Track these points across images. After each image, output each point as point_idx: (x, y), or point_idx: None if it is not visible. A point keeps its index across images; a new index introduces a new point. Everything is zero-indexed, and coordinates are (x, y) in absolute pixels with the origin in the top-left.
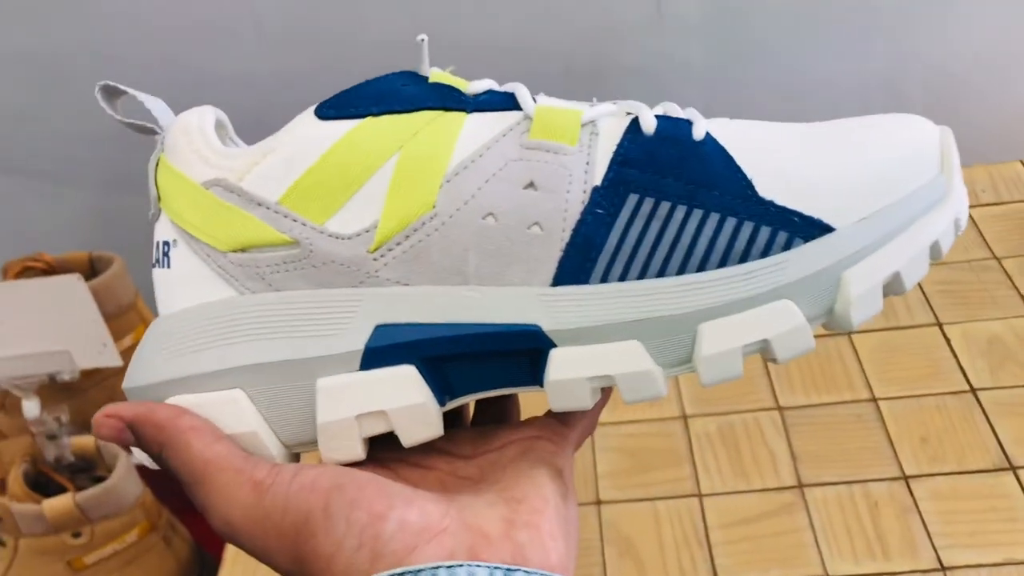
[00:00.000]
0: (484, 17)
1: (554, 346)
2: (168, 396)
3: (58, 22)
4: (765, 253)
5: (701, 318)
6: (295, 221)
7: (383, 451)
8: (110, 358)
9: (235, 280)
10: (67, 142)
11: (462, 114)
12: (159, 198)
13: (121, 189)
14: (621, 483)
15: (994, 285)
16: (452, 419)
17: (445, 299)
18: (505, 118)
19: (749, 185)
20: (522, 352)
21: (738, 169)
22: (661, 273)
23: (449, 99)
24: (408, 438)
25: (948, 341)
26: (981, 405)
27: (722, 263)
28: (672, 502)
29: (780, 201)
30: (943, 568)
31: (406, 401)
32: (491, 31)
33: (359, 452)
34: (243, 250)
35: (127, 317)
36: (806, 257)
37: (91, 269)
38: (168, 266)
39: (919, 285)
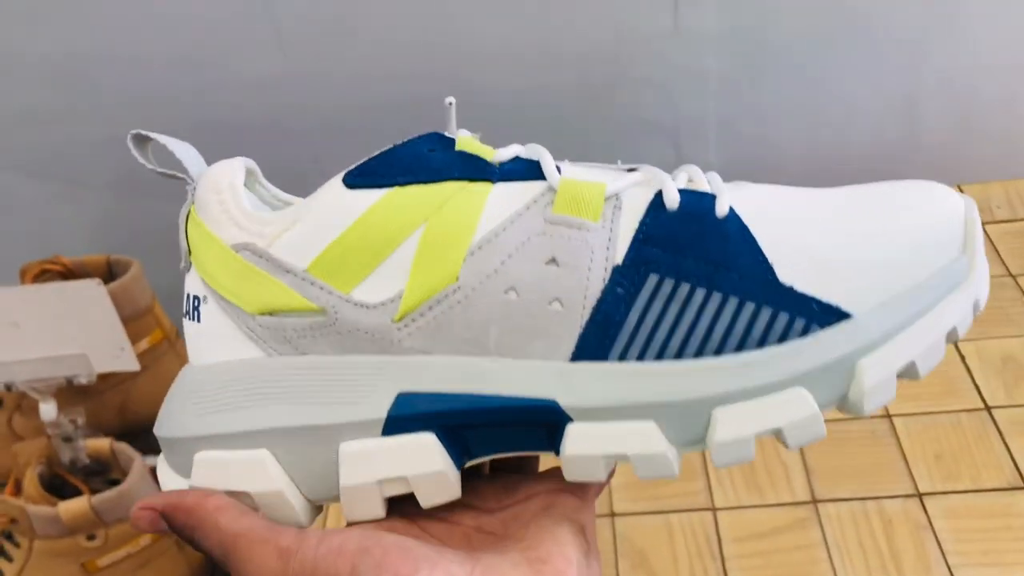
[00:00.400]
0: (501, 27)
1: (571, 420)
2: (198, 451)
3: (76, 25)
4: (782, 339)
5: (716, 403)
6: (322, 289)
7: (409, 504)
8: (127, 362)
9: (263, 341)
10: (85, 145)
11: (487, 184)
12: (189, 251)
13: (139, 192)
14: (635, 495)
15: (1009, 303)
16: (472, 468)
17: (466, 370)
18: (529, 189)
19: (770, 270)
20: (540, 423)
21: (759, 252)
22: (679, 354)
23: (474, 169)
24: (427, 501)
25: (963, 358)
26: (996, 423)
27: (739, 347)
28: (686, 515)
29: (800, 287)
30: None
31: (426, 468)
32: (507, 41)
33: (380, 512)
34: (271, 314)
35: (144, 321)
36: (822, 346)
37: (109, 272)
38: (199, 320)
39: None
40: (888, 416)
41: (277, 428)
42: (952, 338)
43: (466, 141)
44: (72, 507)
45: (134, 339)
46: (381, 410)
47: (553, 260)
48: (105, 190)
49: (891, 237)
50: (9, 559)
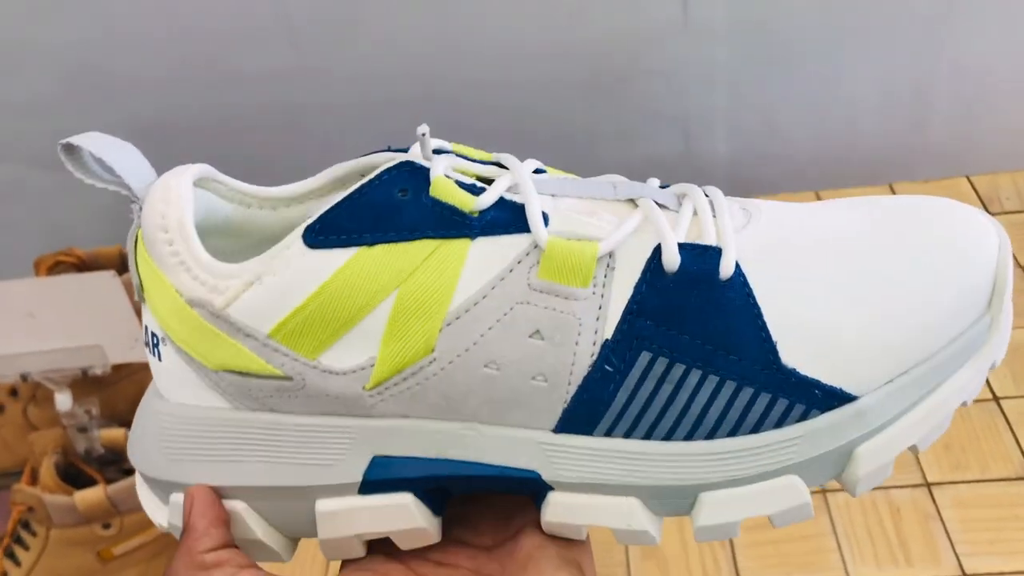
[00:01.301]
0: (511, 20)
1: (552, 490)
2: (173, 492)
3: (88, 17)
4: (779, 424)
5: (704, 488)
6: (286, 356)
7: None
8: (141, 353)
9: (228, 395)
10: None
11: (466, 242)
12: (142, 286)
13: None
14: None
15: (1018, 293)
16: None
17: (443, 436)
18: (513, 246)
19: (772, 350)
20: (520, 488)
21: (763, 328)
22: (668, 435)
23: (450, 224)
24: (405, 547)
25: None
26: (1004, 414)
27: (732, 432)
28: None
29: (803, 370)
30: (965, 575)
31: (405, 526)
32: (518, 35)
33: (360, 552)
34: (234, 372)
35: None
36: (820, 434)
37: (122, 263)
38: (160, 359)
39: None
40: None
41: (251, 487)
42: (962, 405)
43: (441, 184)
44: (88, 496)
45: None
46: (356, 473)
47: (537, 332)
48: None
49: (913, 309)
50: (26, 547)
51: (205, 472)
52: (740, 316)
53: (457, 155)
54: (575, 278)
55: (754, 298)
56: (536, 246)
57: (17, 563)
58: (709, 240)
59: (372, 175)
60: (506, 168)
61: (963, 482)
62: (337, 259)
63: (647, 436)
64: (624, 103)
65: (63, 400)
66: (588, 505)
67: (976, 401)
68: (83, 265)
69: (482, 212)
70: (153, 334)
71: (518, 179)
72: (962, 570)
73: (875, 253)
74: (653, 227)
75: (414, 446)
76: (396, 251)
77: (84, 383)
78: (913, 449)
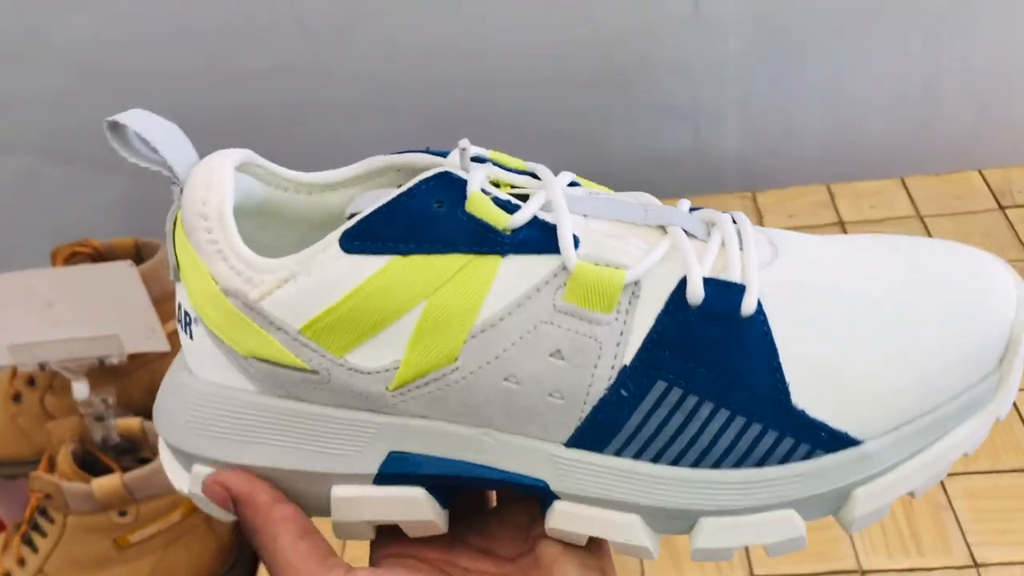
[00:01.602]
0: (520, 17)
1: (558, 499)
2: (195, 463)
3: (102, 11)
4: (783, 461)
5: (704, 513)
6: (315, 351)
7: (432, 551)
8: (158, 342)
9: (256, 380)
10: None
11: (496, 258)
12: (179, 266)
13: (164, 176)
14: None
15: None
16: (478, 505)
17: (459, 439)
18: (542, 266)
19: (785, 391)
20: (528, 493)
21: (778, 369)
22: (676, 461)
23: (483, 241)
24: (413, 535)
25: None
26: (1016, 406)
27: (738, 464)
28: None
29: (811, 412)
30: (976, 564)
31: (415, 517)
32: (527, 31)
33: (369, 536)
34: (264, 361)
35: (172, 302)
36: (823, 475)
37: (137, 254)
38: (192, 338)
39: None
40: None
41: (272, 467)
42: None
43: (477, 199)
44: (105, 484)
45: (163, 320)
46: (373, 466)
47: (558, 352)
48: (132, 173)
49: (925, 359)
50: (44, 534)
51: (229, 449)
52: (757, 354)
53: (494, 163)
54: (600, 303)
55: (772, 337)
56: (564, 268)
57: (35, 549)
58: (734, 275)
59: (410, 184)
60: (540, 180)
61: (975, 473)
62: (371, 265)
63: (655, 459)
64: (635, 98)
65: (80, 389)
66: (591, 517)
67: None
68: (99, 256)
69: (515, 231)
70: (186, 313)
71: (551, 196)
72: (973, 560)
73: (894, 300)
74: (680, 257)
75: (430, 445)
76: (429, 263)
77: (101, 372)
78: (910, 495)
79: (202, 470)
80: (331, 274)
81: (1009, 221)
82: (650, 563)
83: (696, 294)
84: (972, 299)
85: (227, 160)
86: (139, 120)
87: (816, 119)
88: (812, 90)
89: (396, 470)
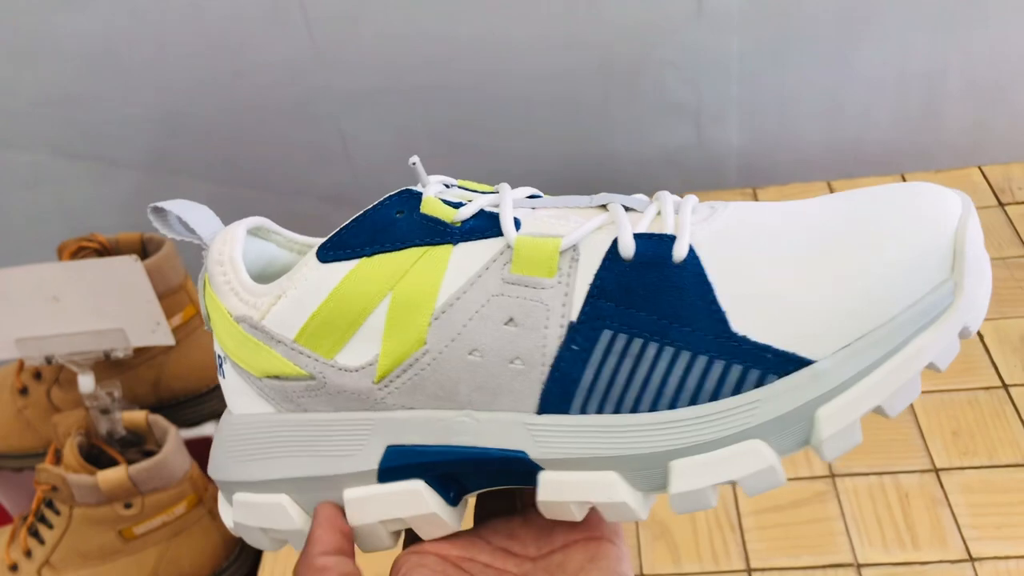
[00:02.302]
0: (526, 12)
1: (542, 469)
2: (236, 492)
3: (107, 7)
4: (736, 390)
5: (672, 456)
6: (309, 357)
7: (454, 547)
8: (162, 337)
9: (271, 400)
10: (117, 125)
11: (448, 247)
12: (209, 317)
13: (171, 171)
14: None
15: None
16: (505, 507)
17: (443, 423)
18: (488, 248)
19: (723, 320)
20: (516, 471)
21: (714, 301)
22: (635, 408)
23: (435, 233)
24: (426, 536)
25: (981, 337)
26: (1013, 401)
27: (693, 401)
28: None
29: (754, 336)
30: (971, 559)
31: (418, 511)
32: (530, 25)
33: (389, 544)
34: (273, 377)
35: (177, 297)
36: (777, 398)
37: (142, 250)
38: (224, 376)
39: None
40: None
41: (289, 478)
42: (932, 369)
43: (430, 202)
44: (110, 476)
45: (167, 315)
46: (372, 462)
47: (511, 320)
48: (138, 169)
49: (863, 277)
50: (50, 525)
51: (256, 469)
52: (692, 292)
53: (460, 187)
54: (541, 269)
55: (705, 276)
56: (508, 246)
57: (41, 541)
58: (666, 230)
59: (377, 201)
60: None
61: (971, 468)
62: (343, 270)
63: (616, 410)
64: (637, 95)
65: (86, 382)
66: (573, 482)
67: (984, 388)
68: (105, 251)
69: (463, 222)
70: (218, 355)
71: (499, 194)
72: (969, 554)
73: (831, 230)
74: (617, 222)
75: (421, 434)
76: (390, 259)
77: (106, 366)
78: (879, 411)
79: (241, 497)
80: (311, 283)
81: (1009, 218)
82: (649, 557)
83: (627, 247)
84: (909, 215)
85: (241, 225)
86: (178, 206)
87: (817, 116)
88: (813, 87)
89: (395, 463)
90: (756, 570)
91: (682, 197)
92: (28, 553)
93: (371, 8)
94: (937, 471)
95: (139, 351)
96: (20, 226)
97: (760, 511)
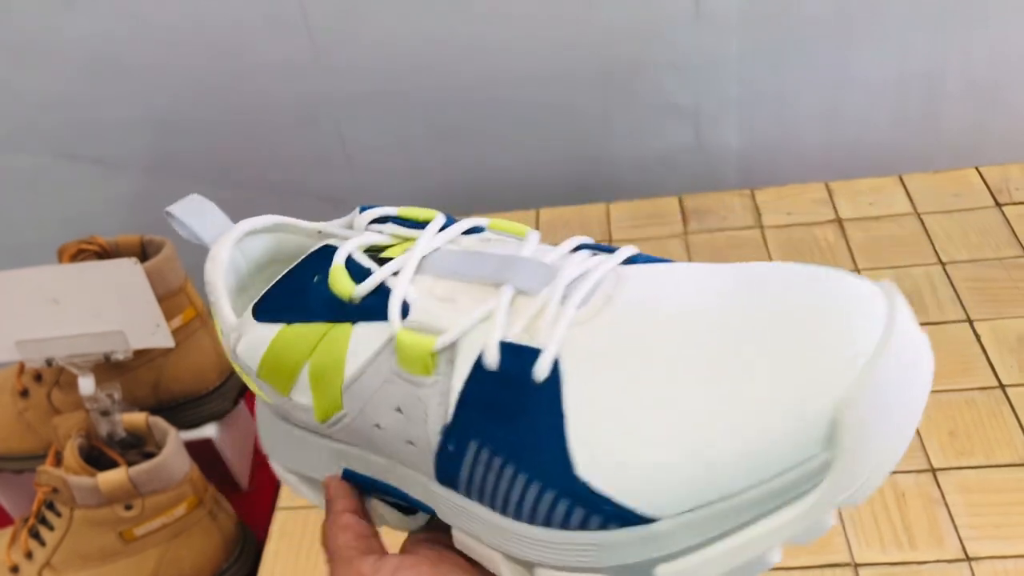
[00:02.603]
0: (524, 14)
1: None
2: (274, 464)
3: (109, 10)
4: (582, 527)
5: (536, 565)
6: (271, 391)
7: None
8: (162, 339)
9: (271, 410)
10: (117, 128)
11: (348, 326)
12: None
13: (171, 174)
14: None
15: None
16: None
17: (380, 465)
18: (380, 333)
19: (568, 462)
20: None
21: (562, 437)
22: (504, 511)
23: (337, 311)
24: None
25: (978, 337)
26: (1010, 401)
27: (547, 523)
28: None
29: (595, 485)
30: (968, 558)
31: (377, 522)
32: (529, 27)
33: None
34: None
35: (177, 299)
36: (615, 549)
37: (142, 252)
38: None
39: (950, 282)
40: None
41: (289, 467)
42: (778, 553)
43: (336, 274)
44: (110, 478)
45: (167, 317)
46: (336, 476)
47: (399, 409)
48: (138, 172)
49: (718, 444)
50: (51, 527)
51: (269, 450)
52: (544, 422)
53: (397, 220)
54: (418, 367)
55: (561, 405)
56: (392, 338)
57: (42, 543)
58: (536, 337)
59: (299, 260)
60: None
61: (968, 468)
62: (271, 332)
63: (492, 507)
64: (635, 96)
65: (86, 384)
66: (468, 544)
67: (981, 388)
68: (105, 253)
69: (362, 299)
70: None
71: (403, 263)
72: (965, 553)
73: (714, 339)
74: (489, 326)
75: (364, 467)
76: (304, 330)
77: (106, 368)
78: None
79: (278, 470)
80: (252, 336)
81: (1006, 218)
82: None
83: (492, 358)
84: (795, 353)
85: (225, 245)
86: (187, 210)
87: (815, 117)
88: (811, 88)
89: (353, 480)
90: None
91: (620, 247)
92: (29, 555)
93: (371, 12)
94: (934, 471)
95: (139, 353)
96: (20, 228)
97: None
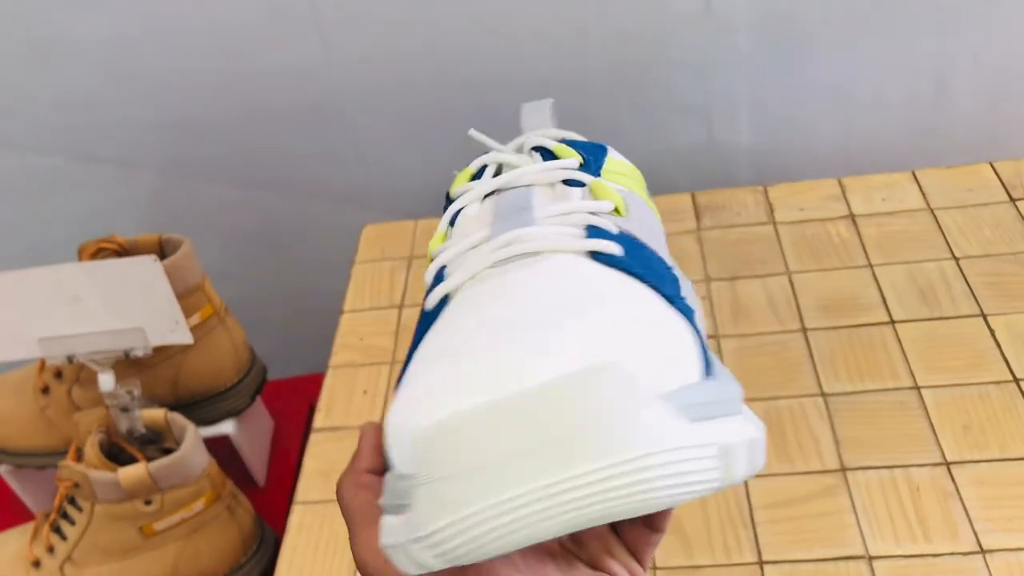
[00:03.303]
0: (535, 13)
1: None
2: None
3: (124, 12)
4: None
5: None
6: None
7: None
8: (181, 336)
9: None
10: (134, 129)
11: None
12: None
13: (188, 173)
14: None
15: None
16: None
17: None
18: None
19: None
20: None
21: (404, 371)
22: None
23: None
24: None
25: (992, 332)
26: None
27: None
28: None
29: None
30: (983, 551)
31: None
32: (540, 25)
33: None
34: None
35: (195, 297)
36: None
37: (160, 251)
38: None
39: (964, 277)
40: (916, 387)
41: None
42: None
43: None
44: (130, 473)
45: (186, 314)
46: None
47: None
48: (155, 171)
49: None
50: (72, 522)
51: None
52: (412, 350)
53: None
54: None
55: (421, 339)
56: None
57: (63, 537)
58: (455, 275)
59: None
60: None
61: (982, 461)
62: None
63: None
64: (647, 95)
65: (106, 381)
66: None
67: (995, 382)
68: (124, 252)
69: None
70: None
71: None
72: (980, 546)
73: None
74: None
75: None
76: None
77: (126, 365)
78: None
79: None
80: None
81: (1020, 213)
82: (662, 550)
83: (429, 279)
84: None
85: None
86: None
87: (827, 113)
88: (823, 85)
89: None
90: (768, 563)
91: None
92: (51, 549)
93: (382, 10)
94: (948, 464)
95: (158, 350)
96: (41, 228)
97: (772, 505)
